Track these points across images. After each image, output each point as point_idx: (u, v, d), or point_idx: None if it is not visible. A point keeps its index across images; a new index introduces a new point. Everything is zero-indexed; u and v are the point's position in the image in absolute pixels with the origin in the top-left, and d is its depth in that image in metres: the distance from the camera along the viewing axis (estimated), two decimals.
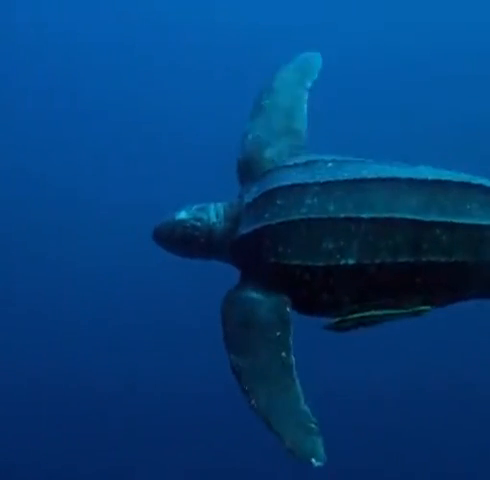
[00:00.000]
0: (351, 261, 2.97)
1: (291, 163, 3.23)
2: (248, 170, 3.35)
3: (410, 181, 3.01)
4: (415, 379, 5.73)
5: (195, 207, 3.40)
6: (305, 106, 3.50)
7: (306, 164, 3.19)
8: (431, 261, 2.94)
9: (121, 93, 6.55)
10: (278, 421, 2.88)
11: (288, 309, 3.07)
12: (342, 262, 2.97)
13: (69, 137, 6.53)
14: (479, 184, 3.03)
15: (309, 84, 3.56)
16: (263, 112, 3.46)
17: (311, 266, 2.99)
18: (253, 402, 2.91)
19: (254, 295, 3.11)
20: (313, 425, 2.87)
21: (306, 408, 2.91)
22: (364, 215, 2.98)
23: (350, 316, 2.99)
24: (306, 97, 3.52)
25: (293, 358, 2.99)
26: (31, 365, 6.11)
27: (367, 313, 2.99)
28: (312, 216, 3.02)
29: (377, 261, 2.96)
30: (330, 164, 3.16)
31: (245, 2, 6.45)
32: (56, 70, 6.64)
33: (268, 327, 3.03)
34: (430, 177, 3.03)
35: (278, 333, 3.02)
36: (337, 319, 3.01)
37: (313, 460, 2.80)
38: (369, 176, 3.04)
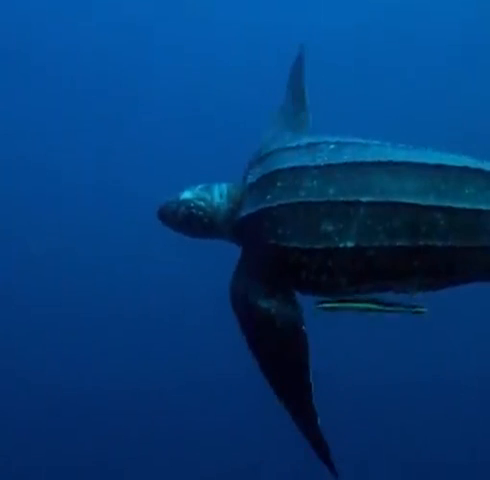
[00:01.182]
0: (350, 244, 3.00)
1: (293, 145, 3.25)
2: None
3: (409, 165, 3.02)
4: (410, 373, 5.76)
5: (199, 187, 3.45)
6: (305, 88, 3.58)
7: (308, 146, 3.20)
8: (428, 245, 2.96)
9: (123, 76, 6.52)
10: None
11: (304, 327, 3.11)
12: (341, 245, 3.00)
13: (69, 126, 6.52)
14: (478, 169, 3.02)
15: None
16: (275, 122, 3.61)
17: (310, 248, 3.02)
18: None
19: (266, 304, 3.13)
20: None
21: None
22: (363, 198, 2.99)
23: (341, 304, 3.04)
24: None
25: (311, 376, 3.08)
26: (31, 359, 6.18)
27: (361, 305, 3.04)
28: (311, 199, 3.04)
29: (375, 244, 2.98)
30: (332, 146, 3.16)
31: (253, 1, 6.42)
32: (58, 56, 6.61)
33: (286, 349, 3.10)
34: (429, 161, 3.03)
35: (295, 356, 3.09)
36: (326, 305, 3.05)
37: None
38: (369, 159, 3.05)
